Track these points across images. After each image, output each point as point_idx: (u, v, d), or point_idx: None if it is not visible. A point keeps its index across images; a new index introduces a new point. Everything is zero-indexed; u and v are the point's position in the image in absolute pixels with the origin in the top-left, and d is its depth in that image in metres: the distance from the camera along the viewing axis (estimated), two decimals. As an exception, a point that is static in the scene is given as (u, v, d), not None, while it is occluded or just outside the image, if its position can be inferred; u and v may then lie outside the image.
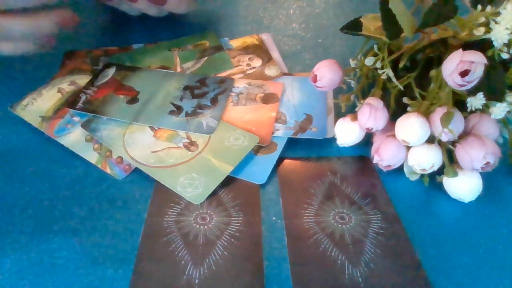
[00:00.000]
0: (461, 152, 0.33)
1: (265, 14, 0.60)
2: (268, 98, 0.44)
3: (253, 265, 0.30)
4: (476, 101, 0.33)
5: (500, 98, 0.33)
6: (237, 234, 0.32)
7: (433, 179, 0.35)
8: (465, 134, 0.34)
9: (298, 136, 0.40)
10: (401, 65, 0.36)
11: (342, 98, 0.40)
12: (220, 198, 0.35)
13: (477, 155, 0.32)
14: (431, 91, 0.35)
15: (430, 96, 0.35)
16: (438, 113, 0.33)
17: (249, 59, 0.50)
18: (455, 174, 0.34)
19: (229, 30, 0.56)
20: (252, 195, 0.35)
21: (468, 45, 0.33)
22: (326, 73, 0.38)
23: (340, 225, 0.33)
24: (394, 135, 0.35)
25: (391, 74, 0.36)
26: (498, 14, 0.31)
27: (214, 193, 0.35)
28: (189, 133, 0.39)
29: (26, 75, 0.48)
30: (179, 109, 0.42)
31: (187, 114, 0.41)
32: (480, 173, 0.33)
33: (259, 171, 0.37)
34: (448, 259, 0.31)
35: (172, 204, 0.34)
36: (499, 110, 0.33)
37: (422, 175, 0.36)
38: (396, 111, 0.37)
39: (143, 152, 0.38)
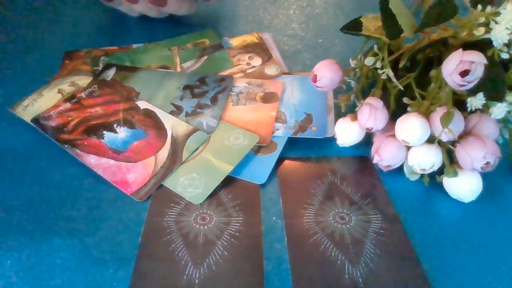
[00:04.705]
0: (461, 152, 0.33)
1: (265, 14, 0.60)
2: (268, 97, 0.44)
3: (253, 265, 0.30)
4: (476, 101, 0.33)
5: (500, 98, 0.33)
6: (237, 234, 0.32)
7: (433, 179, 0.35)
8: (465, 134, 0.34)
9: (298, 136, 0.40)
10: (401, 65, 0.36)
11: (342, 98, 0.40)
12: (220, 198, 0.35)
13: (477, 155, 0.32)
14: (431, 91, 0.35)
15: (430, 96, 0.35)
16: (438, 113, 0.33)
17: (249, 58, 0.50)
18: (455, 174, 0.34)
19: (229, 30, 0.56)
20: (252, 195, 0.35)
21: (468, 45, 0.33)
22: (326, 73, 0.38)
23: (340, 225, 0.33)
24: (394, 135, 0.35)
25: (391, 74, 0.36)
26: (498, 14, 0.31)
27: (214, 193, 0.35)
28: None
29: (26, 75, 0.48)
30: (179, 109, 0.42)
31: (187, 114, 0.41)
32: (480, 173, 0.33)
33: (259, 171, 0.37)
34: (448, 259, 0.31)
35: (172, 204, 0.34)
36: (499, 110, 0.33)
37: (422, 175, 0.36)
38: (396, 111, 0.37)
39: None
